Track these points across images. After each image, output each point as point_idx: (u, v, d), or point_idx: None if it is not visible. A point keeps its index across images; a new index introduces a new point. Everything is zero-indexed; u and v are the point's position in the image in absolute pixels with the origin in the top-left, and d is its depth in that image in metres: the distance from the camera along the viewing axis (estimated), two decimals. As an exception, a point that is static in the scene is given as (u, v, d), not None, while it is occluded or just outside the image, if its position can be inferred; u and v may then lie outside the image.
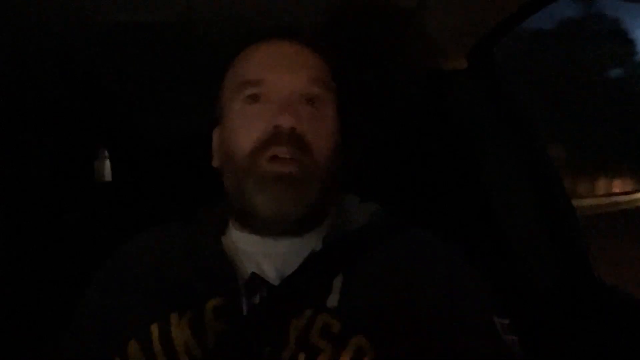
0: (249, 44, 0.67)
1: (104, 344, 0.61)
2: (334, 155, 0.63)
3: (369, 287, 0.60)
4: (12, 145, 1.25)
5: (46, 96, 1.11)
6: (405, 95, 1.05)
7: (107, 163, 1.42)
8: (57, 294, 1.02)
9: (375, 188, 0.82)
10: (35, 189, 1.29)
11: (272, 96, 0.61)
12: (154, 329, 0.58)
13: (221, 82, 0.70)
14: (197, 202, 0.73)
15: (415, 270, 0.62)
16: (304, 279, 0.60)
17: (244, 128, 0.62)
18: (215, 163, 0.70)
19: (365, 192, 0.73)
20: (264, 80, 0.62)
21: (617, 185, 14.42)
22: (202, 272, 0.62)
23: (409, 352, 0.55)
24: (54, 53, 0.94)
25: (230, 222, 0.68)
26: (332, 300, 0.58)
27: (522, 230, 0.86)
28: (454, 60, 0.90)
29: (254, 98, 0.62)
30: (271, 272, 0.62)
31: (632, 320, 0.75)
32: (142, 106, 1.22)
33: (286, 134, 0.58)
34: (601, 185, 14.61)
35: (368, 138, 1.09)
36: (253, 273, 0.61)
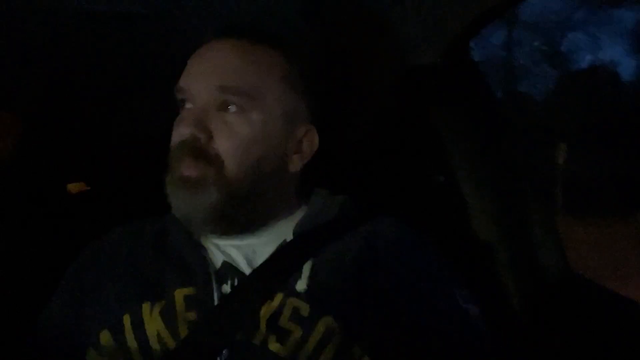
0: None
1: (78, 335, 0.62)
2: (260, 160, 0.63)
3: (337, 270, 0.62)
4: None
5: (18, 89, 1.09)
6: (381, 91, 1.05)
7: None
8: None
9: (350, 184, 0.83)
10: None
11: (188, 104, 0.63)
12: (126, 319, 0.59)
13: None
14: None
15: (379, 251, 0.64)
16: (274, 267, 0.61)
17: (173, 133, 0.64)
18: None
19: (340, 188, 0.73)
20: (182, 89, 0.64)
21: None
22: (173, 262, 0.64)
23: (375, 330, 0.58)
24: (26, 42, 0.92)
25: None
26: (301, 285, 0.60)
27: (495, 226, 0.87)
28: (430, 55, 0.91)
29: (181, 105, 0.65)
30: (242, 262, 0.63)
31: (608, 312, 0.77)
32: (118, 101, 1.20)
33: (188, 145, 0.60)
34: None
35: (341, 134, 1.09)
36: (224, 262, 0.63)
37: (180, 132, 0.61)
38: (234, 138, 0.61)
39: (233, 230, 0.64)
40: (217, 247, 0.65)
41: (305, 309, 0.58)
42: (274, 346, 0.56)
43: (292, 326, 0.57)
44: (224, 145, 0.60)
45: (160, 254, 0.65)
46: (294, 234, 0.65)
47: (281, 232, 0.66)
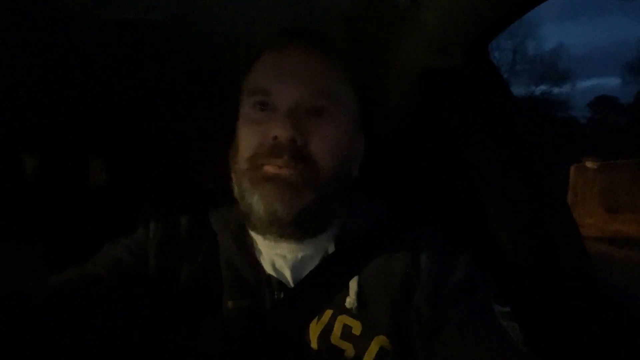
0: (265, 49, 0.67)
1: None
2: (341, 165, 0.64)
3: (383, 287, 0.62)
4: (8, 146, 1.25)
5: (42, 96, 1.11)
6: (401, 93, 1.04)
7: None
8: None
9: (371, 186, 0.82)
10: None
11: (277, 106, 0.62)
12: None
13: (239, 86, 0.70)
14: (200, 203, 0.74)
15: (422, 267, 0.64)
16: (319, 282, 0.62)
17: (248, 133, 0.64)
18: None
19: (362, 190, 0.73)
20: (270, 90, 0.63)
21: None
22: (223, 273, 0.65)
23: (424, 351, 0.58)
24: (50, 51, 0.94)
25: (245, 223, 0.70)
26: (351, 302, 0.60)
27: (517, 229, 0.86)
28: (450, 57, 0.90)
29: (261, 106, 0.64)
30: (287, 273, 0.64)
31: (630, 318, 0.76)
32: (139, 105, 1.22)
33: (285, 145, 0.59)
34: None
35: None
36: (269, 275, 0.64)
37: (277, 133, 0.60)
38: (326, 141, 0.62)
39: (304, 234, 0.64)
40: (263, 256, 0.66)
41: (357, 327, 0.59)
42: None
43: (344, 344, 0.57)
44: (318, 148, 0.61)
45: (209, 264, 0.66)
46: (336, 244, 0.65)
47: (323, 241, 0.66)
